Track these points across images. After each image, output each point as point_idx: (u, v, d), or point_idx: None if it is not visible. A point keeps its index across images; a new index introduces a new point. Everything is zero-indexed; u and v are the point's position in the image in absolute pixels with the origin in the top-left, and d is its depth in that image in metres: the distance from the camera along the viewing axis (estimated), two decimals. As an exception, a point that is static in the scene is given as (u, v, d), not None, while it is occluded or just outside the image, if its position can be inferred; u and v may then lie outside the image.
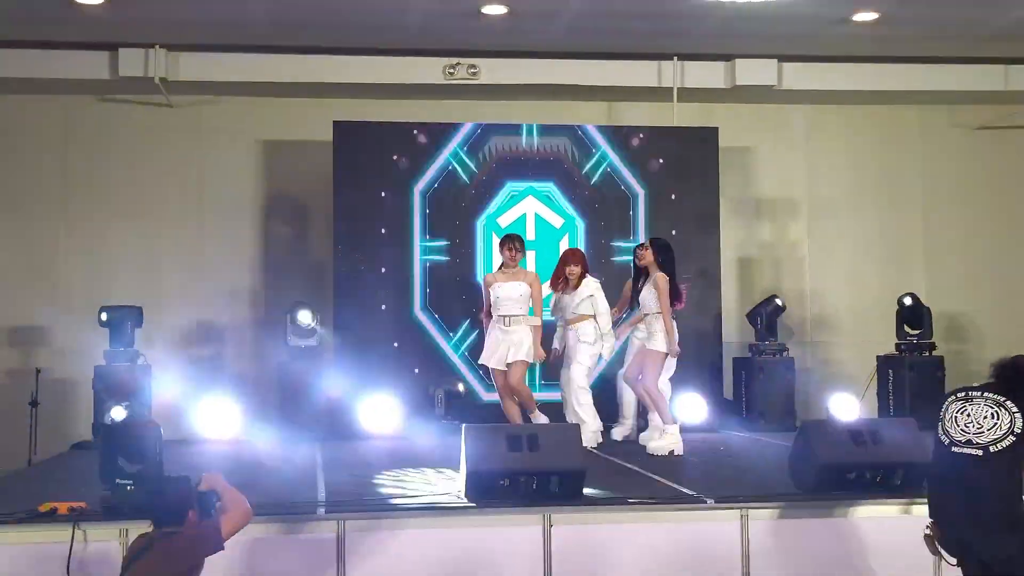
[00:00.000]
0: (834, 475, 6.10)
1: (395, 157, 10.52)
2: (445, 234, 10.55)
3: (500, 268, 8.74)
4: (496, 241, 10.52)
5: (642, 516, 5.83)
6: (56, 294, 10.94)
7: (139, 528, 5.20)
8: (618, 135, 10.90)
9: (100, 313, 9.75)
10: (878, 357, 10.84)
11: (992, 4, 9.70)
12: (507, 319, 8.41)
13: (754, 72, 11.14)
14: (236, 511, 4.46)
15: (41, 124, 11.11)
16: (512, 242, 8.65)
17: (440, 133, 10.63)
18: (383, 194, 10.47)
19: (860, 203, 11.96)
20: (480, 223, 10.61)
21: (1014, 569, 4.57)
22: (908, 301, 10.75)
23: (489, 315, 8.60)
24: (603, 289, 8.79)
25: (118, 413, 5.47)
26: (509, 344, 8.39)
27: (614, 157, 10.79)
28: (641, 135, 10.90)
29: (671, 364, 8.71)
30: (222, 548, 4.38)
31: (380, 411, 9.86)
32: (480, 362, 8.76)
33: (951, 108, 12.01)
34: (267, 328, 10.80)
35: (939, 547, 4.81)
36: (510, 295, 8.41)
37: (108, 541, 5.36)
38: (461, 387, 10.01)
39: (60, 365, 10.61)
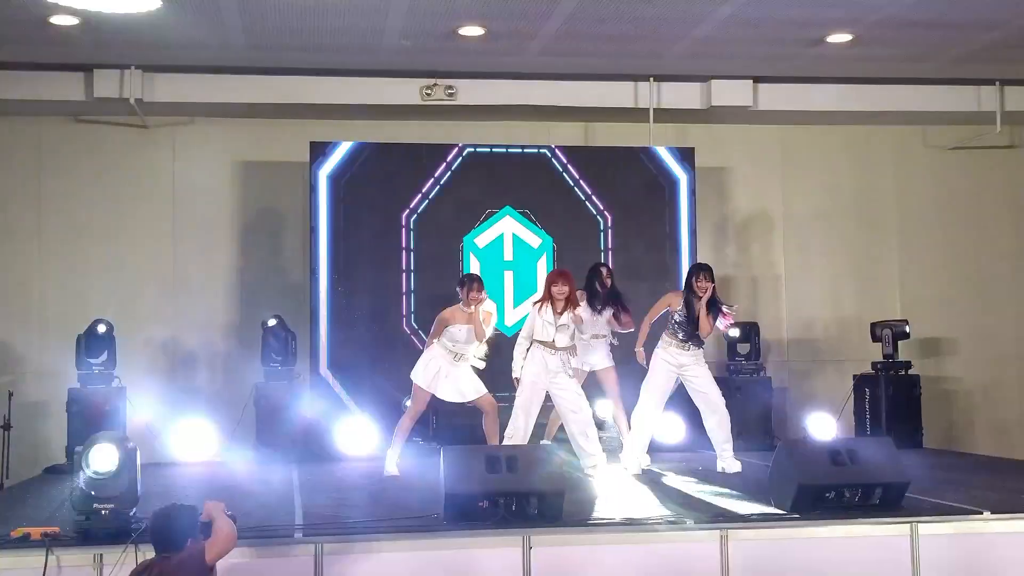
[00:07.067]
0: (813, 494, 6.11)
1: (372, 178, 10.51)
2: (423, 254, 10.55)
3: (458, 307, 8.26)
4: (473, 261, 10.53)
5: (622, 537, 5.81)
6: (30, 316, 10.83)
7: (114, 554, 5.19)
8: (595, 155, 10.92)
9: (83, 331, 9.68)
10: (854, 376, 10.87)
11: (964, 26, 9.79)
12: (458, 356, 8.24)
13: (729, 93, 11.19)
14: (218, 537, 4.65)
15: (15, 145, 11.02)
16: (482, 284, 8.28)
17: (417, 154, 10.63)
18: (360, 215, 10.46)
19: (835, 222, 12.03)
20: (458, 243, 10.60)
21: None
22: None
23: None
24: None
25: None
26: (459, 377, 8.21)
27: (591, 177, 10.82)
28: (617, 155, 10.93)
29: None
30: (208, 572, 4.60)
31: (357, 432, 9.81)
32: (430, 390, 8.22)
33: (924, 128, 12.11)
34: (243, 349, 10.73)
35: None
36: (469, 338, 8.20)
37: (81, 567, 5.29)
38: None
39: (33, 388, 10.50)
